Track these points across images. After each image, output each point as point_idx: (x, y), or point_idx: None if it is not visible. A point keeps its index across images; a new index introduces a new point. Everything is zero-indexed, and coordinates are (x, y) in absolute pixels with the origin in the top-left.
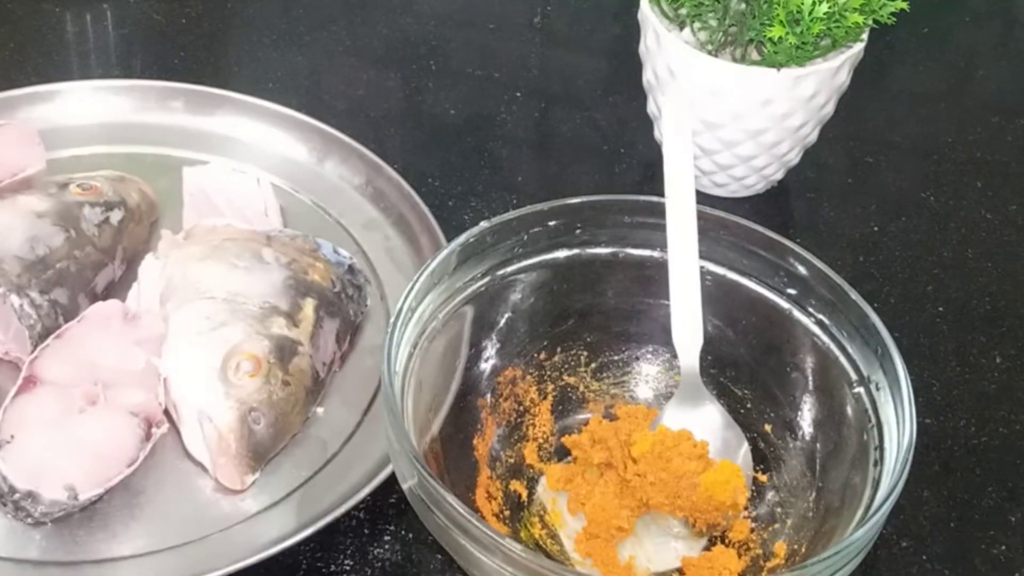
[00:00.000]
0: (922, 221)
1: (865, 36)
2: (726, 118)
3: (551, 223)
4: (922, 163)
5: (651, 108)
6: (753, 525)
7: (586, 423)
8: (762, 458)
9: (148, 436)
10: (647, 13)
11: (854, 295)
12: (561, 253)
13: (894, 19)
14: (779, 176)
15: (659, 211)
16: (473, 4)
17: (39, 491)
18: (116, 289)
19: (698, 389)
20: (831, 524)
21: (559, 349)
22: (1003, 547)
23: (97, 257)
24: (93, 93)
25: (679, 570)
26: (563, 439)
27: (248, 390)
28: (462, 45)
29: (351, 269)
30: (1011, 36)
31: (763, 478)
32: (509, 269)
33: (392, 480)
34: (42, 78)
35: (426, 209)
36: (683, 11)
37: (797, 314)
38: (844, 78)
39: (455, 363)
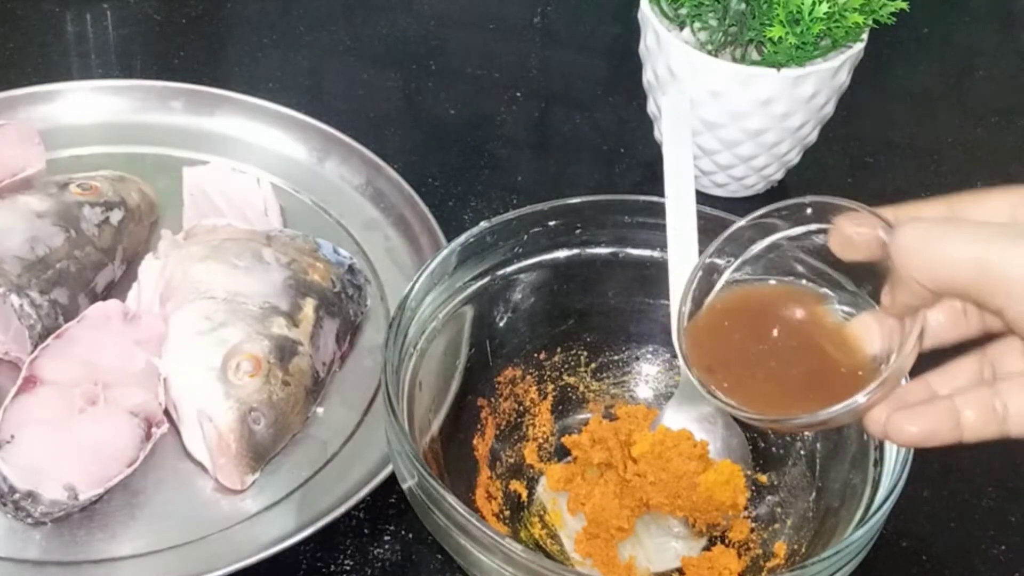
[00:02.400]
0: None
1: (865, 36)
2: (726, 118)
3: (551, 223)
4: (922, 163)
5: (651, 108)
6: (753, 525)
7: (586, 423)
8: (762, 458)
9: (148, 436)
10: (647, 13)
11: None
12: (561, 253)
13: (894, 19)
14: (779, 176)
15: (659, 211)
16: (473, 4)
17: (39, 491)
18: (116, 289)
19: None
20: (831, 524)
21: (559, 349)
22: (1003, 547)
23: (97, 257)
24: (93, 93)
25: (679, 570)
26: (563, 439)
27: (248, 390)
28: (462, 45)
29: (351, 269)
30: (1011, 36)
31: (763, 478)
32: (509, 269)
33: (392, 480)
34: (42, 78)
35: (426, 209)
36: (683, 11)
37: None
38: (844, 78)
39: (455, 363)
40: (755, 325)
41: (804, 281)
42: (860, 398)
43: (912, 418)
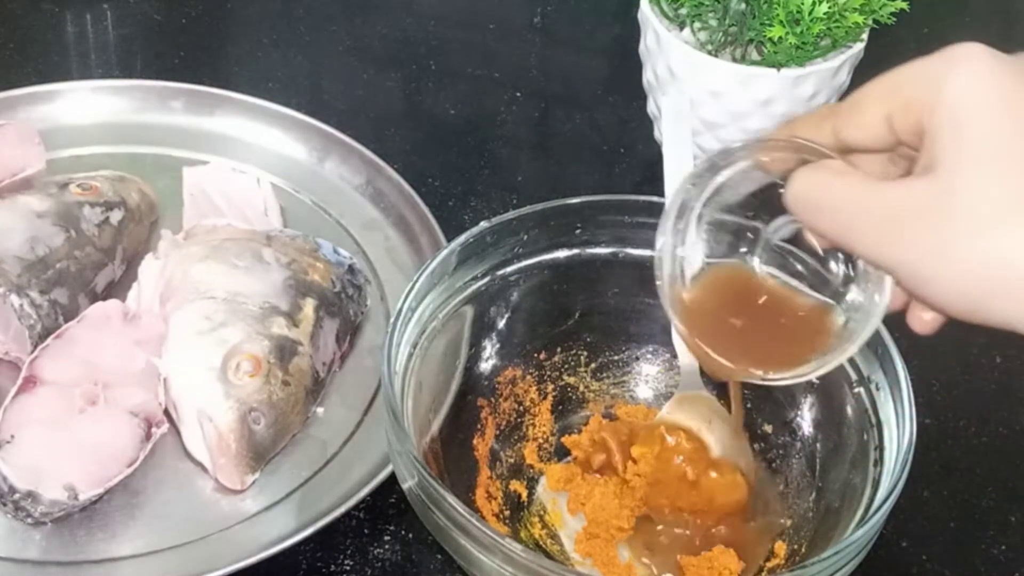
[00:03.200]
0: None
1: (865, 36)
2: (726, 118)
3: (551, 223)
4: None
5: (651, 108)
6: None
7: (586, 423)
8: (762, 458)
9: (148, 436)
10: (647, 13)
11: None
12: (561, 253)
13: (894, 19)
14: None
15: (659, 211)
16: (473, 4)
17: (39, 491)
18: (116, 289)
19: (698, 389)
20: (831, 524)
21: (559, 349)
22: (1003, 547)
23: (97, 257)
24: (93, 93)
25: (679, 569)
26: (563, 439)
27: (248, 390)
28: (462, 45)
29: (351, 269)
30: (1011, 36)
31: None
32: (509, 269)
33: (392, 480)
34: (42, 78)
35: (426, 209)
36: (683, 11)
37: None
38: (844, 78)
39: (455, 363)
40: (727, 305)
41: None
42: (884, 299)
43: (924, 308)
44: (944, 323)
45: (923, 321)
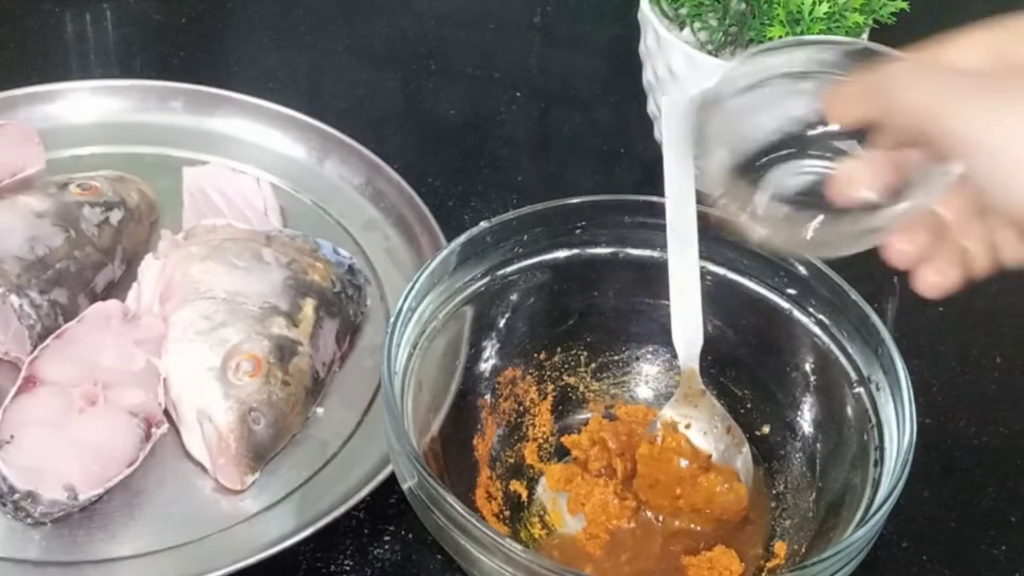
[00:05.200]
0: None
1: (865, 36)
2: None
3: (551, 223)
4: None
5: (651, 108)
6: None
7: (586, 423)
8: (762, 458)
9: (148, 436)
10: (647, 13)
11: (854, 295)
12: (561, 253)
13: (894, 19)
14: None
15: (659, 211)
16: (473, 4)
17: (39, 491)
18: (116, 289)
19: (698, 389)
20: (831, 524)
21: (559, 349)
22: (1003, 547)
23: (97, 257)
24: (93, 93)
25: (680, 569)
26: (563, 439)
27: (248, 390)
28: (462, 45)
29: (351, 269)
30: None
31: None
32: (509, 269)
33: (392, 480)
34: (42, 78)
35: (426, 209)
36: (683, 11)
37: (797, 314)
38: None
39: (455, 363)
40: None
41: None
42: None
43: (933, 271)
44: (951, 289)
45: (928, 284)
